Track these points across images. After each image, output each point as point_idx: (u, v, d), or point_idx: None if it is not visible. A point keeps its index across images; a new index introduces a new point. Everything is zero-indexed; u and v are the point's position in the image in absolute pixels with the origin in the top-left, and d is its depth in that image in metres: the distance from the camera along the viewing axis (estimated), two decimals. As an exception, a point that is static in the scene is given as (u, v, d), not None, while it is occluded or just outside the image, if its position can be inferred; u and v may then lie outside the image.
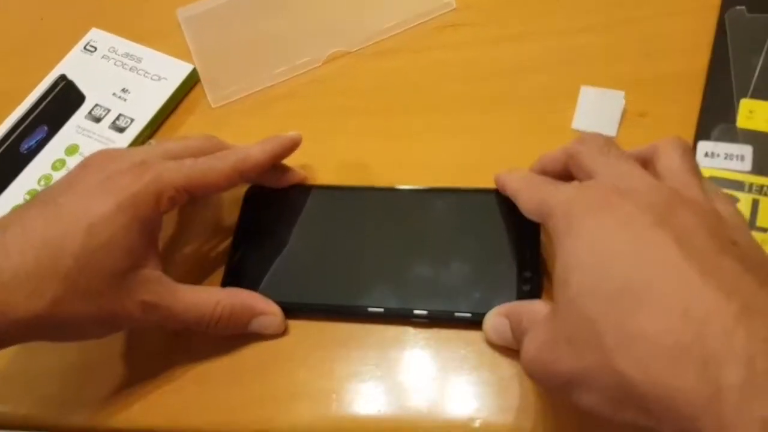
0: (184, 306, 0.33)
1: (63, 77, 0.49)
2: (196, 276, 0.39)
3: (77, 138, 0.46)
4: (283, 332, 0.37)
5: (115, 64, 0.49)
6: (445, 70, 0.46)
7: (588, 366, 0.24)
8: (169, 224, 0.42)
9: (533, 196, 0.32)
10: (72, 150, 0.46)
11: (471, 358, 0.34)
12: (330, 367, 0.35)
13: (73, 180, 0.33)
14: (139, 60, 0.49)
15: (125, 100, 0.47)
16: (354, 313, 0.36)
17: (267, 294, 0.36)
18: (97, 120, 0.47)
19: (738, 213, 0.28)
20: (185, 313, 0.34)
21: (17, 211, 0.32)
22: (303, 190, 0.41)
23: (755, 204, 0.36)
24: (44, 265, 0.30)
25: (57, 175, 0.45)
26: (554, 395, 0.32)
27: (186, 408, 0.35)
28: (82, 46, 0.51)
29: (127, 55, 0.50)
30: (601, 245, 0.25)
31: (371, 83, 0.46)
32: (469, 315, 0.34)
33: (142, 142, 0.46)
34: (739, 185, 0.37)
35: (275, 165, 0.39)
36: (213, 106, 0.47)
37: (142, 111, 0.46)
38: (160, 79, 0.48)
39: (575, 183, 0.30)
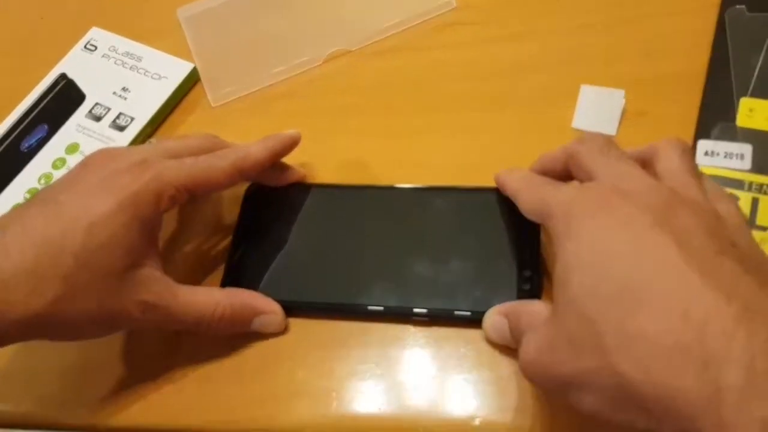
0: (183, 307, 0.33)
1: (63, 76, 0.49)
2: (197, 274, 0.39)
3: (77, 137, 0.46)
4: (284, 330, 0.37)
5: (115, 63, 0.49)
6: (445, 70, 0.46)
7: (588, 367, 0.24)
8: (169, 223, 0.42)
9: (533, 196, 0.32)
10: (72, 149, 0.46)
11: (471, 357, 0.34)
12: (330, 365, 0.35)
13: (74, 179, 0.33)
14: (139, 59, 0.49)
15: (125, 98, 0.47)
16: (354, 312, 0.36)
17: (267, 292, 0.36)
18: (98, 119, 0.47)
19: (738, 213, 0.28)
20: (184, 314, 0.33)
21: (17, 210, 0.32)
22: (303, 188, 0.41)
23: (755, 202, 0.36)
24: (44, 263, 0.30)
25: (57, 174, 0.45)
26: (552, 397, 0.32)
27: (186, 407, 0.35)
28: (83, 45, 0.51)
29: (127, 54, 0.50)
30: (601, 246, 0.25)
31: (371, 82, 0.46)
32: (468, 313, 0.34)
33: (143, 141, 0.46)
34: (739, 184, 0.37)
35: (275, 163, 0.39)
36: (213, 105, 0.47)
37: (143, 110, 0.47)
38: (160, 78, 0.48)
39: (575, 183, 0.30)
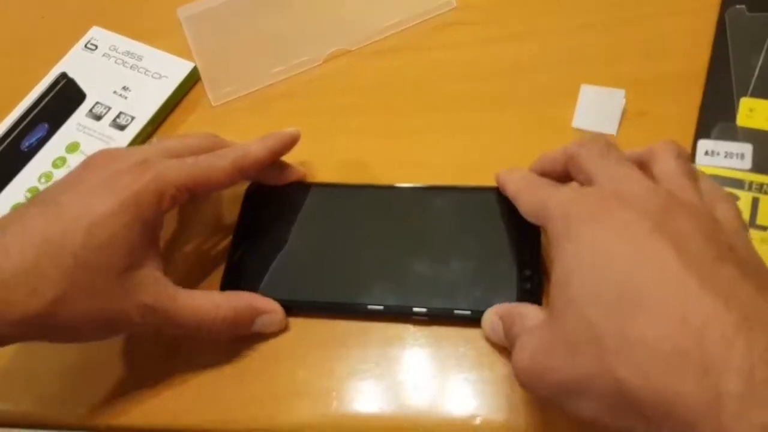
0: (183, 310, 0.33)
1: (64, 75, 0.49)
2: (197, 274, 0.39)
3: (78, 136, 0.46)
4: (284, 329, 0.37)
5: (115, 62, 0.49)
6: (446, 69, 0.46)
7: (587, 372, 0.24)
8: (169, 222, 0.42)
9: (533, 197, 0.32)
10: (72, 148, 0.46)
11: (471, 356, 0.34)
12: (330, 365, 0.35)
13: (75, 179, 0.33)
14: (139, 58, 0.49)
15: (126, 98, 0.47)
16: (354, 311, 0.36)
17: (267, 291, 0.37)
18: (98, 118, 0.47)
19: (736, 215, 0.28)
20: (184, 317, 0.33)
21: (18, 210, 0.32)
22: (303, 188, 0.41)
23: (755, 202, 0.36)
24: (44, 263, 0.30)
25: (57, 173, 0.45)
26: (546, 403, 0.32)
27: (186, 407, 0.35)
28: (83, 45, 0.51)
29: (127, 53, 0.50)
30: (600, 250, 0.25)
31: (371, 82, 0.46)
32: (468, 313, 0.34)
33: (143, 140, 0.46)
34: (739, 183, 0.37)
35: (275, 162, 0.39)
36: (213, 104, 0.47)
37: (143, 109, 0.47)
38: (160, 77, 0.48)
39: (574, 186, 0.30)
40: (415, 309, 0.35)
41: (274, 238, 0.39)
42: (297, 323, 0.37)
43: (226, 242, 0.40)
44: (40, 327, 0.30)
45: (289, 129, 0.39)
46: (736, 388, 0.20)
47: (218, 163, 0.35)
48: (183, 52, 0.49)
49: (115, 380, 0.37)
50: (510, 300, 0.34)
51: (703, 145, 0.38)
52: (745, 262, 0.24)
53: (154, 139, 0.47)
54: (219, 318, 0.34)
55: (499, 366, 0.34)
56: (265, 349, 0.36)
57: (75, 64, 0.50)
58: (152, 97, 0.47)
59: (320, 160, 0.43)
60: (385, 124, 0.44)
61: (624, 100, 0.41)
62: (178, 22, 0.51)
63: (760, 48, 0.41)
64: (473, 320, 0.34)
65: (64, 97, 0.48)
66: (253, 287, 0.37)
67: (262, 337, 0.36)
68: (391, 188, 0.40)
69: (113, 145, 0.45)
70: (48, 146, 0.46)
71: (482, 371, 0.34)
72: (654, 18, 0.44)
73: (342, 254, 0.38)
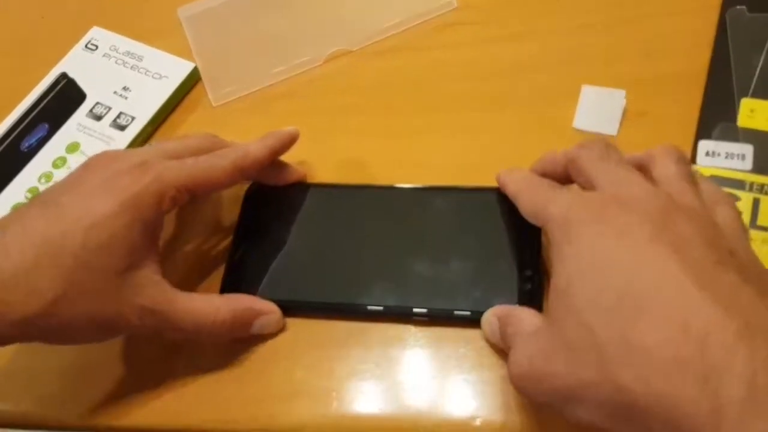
0: (181, 313, 0.33)
1: (64, 75, 0.49)
2: (197, 274, 0.39)
3: (78, 136, 0.46)
4: (282, 329, 0.37)
5: (116, 62, 0.49)
6: (446, 70, 0.46)
7: (587, 379, 0.24)
8: (169, 223, 0.42)
9: (533, 198, 0.32)
10: (73, 148, 0.46)
11: (471, 357, 0.34)
12: (330, 365, 0.35)
13: (75, 181, 0.33)
14: (140, 58, 0.49)
15: (126, 98, 0.47)
16: (354, 312, 0.36)
17: (268, 292, 0.37)
18: (98, 118, 0.47)
19: (736, 218, 0.28)
20: (183, 320, 0.33)
21: (18, 210, 0.32)
22: (303, 188, 0.41)
23: (756, 203, 0.36)
24: (44, 264, 0.30)
25: (57, 173, 0.45)
26: (543, 408, 0.32)
27: (186, 407, 0.35)
28: (83, 45, 0.51)
29: (128, 53, 0.50)
30: (600, 254, 0.25)
31: (372, 82, 0.46)
32: (468, 313, 0.34)
33: (143, 140, 0.46)
34: (740, 184, 0.37)
35: (275, 162, 0.39)
36: (214, 104, 0.47)
37: (143, 109, 0.47)
38: (161, 77, 0.48)
39: (575, 188, 0.30)
40: (416, 309, 0.35)
41: (274, 239, 0.39)
42: (297, 324, 0.37)
43: (226, 243, 0.40)
44: (39, 327, 0.30)
45: (289, 128, 0.39)
46: (738, 395, 0.20)
47: (218, 163, 0.35)
48: (183, 52, 0.49)
49: (115, 381, 0.37)
50: (510, 301, 0.34)
51: (704, 145, 0.38)
52: (745, 266, 0.24)
53: (154, 141, 0.47)
54: (218, 321, 0.34)
55: (500, 367, 0.34)
56: (265, 349, 0.36)
57: (75, 64, 0.50)
58: (152, 98, 0.47)
59: (320, 160, 0.42)
60: (385, 124, 0.44)
61: (624, 101, 0.41)
62: (179, 22, 0.51)
63: (760, 48, 0.41)
64: (473, 321, 0.34)
65: (65, 98, 0.48)
66: (253, 288, 0.37)
67: (262, 337, 0.36)
68: (391, 188, 0.40)
69: (113, 145, 0.45)
70: (48, 146, 0.46)
71: (482, 372, 0.34)
72: (654, 18, 0.44)
73: (342, 255, 0.38)
